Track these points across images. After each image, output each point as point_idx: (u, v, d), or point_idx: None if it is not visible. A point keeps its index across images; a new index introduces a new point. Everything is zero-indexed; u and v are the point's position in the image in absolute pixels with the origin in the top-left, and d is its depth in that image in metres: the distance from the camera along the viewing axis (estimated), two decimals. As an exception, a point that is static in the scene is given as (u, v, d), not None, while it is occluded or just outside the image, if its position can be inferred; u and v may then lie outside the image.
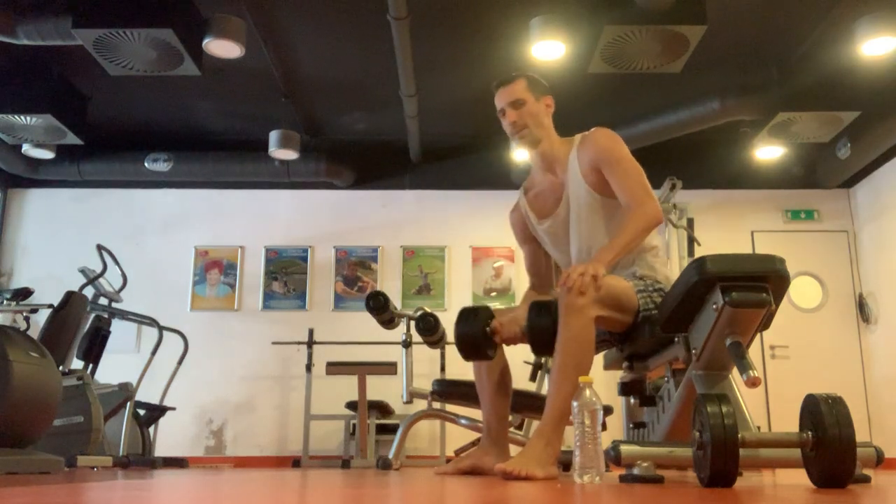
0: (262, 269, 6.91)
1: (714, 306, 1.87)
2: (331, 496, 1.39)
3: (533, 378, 4.89)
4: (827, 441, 1.57)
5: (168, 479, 2.29)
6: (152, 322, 4.91)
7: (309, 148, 6.61)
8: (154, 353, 4.86)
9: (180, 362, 5.49)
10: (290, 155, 6.22)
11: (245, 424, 6.58)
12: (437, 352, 6.05)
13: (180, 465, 5.01)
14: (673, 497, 1.33)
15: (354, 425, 6.00)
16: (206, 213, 7.04)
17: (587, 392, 1.89)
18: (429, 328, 3.95)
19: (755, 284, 1.85)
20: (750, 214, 6.95)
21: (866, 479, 1.87)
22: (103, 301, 4.73)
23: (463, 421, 4.14)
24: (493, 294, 6.80)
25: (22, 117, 5.46)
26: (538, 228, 2.68)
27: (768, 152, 6.38)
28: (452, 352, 5.90)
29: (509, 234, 2.89)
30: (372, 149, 6.99)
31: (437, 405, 4.94)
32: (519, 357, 4.37)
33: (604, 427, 1.96)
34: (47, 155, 6.31)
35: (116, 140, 6.70)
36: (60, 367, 4.09)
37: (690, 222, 6.24)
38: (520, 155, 6.33)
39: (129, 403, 4.50)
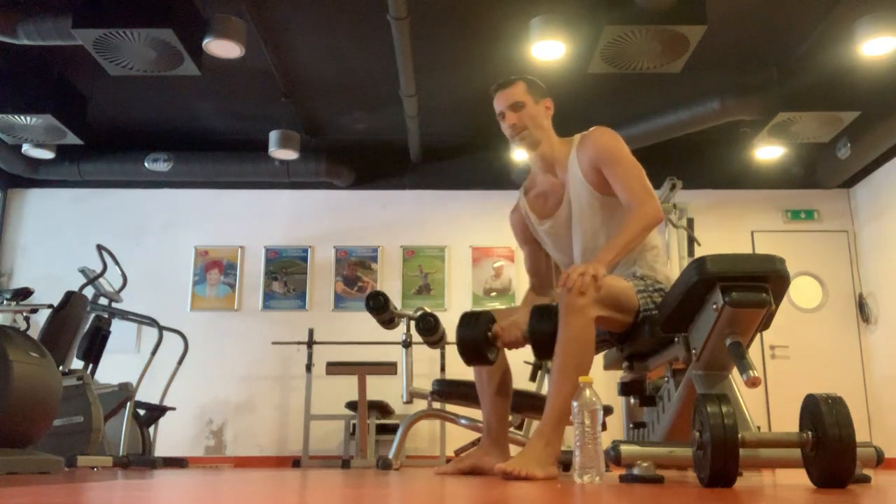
0: (262, 269, 6.91)
1: (714, 306, 1.87)
2: (331, 496, 1.39)
3: (533, 378, 4.89)
4: (827, 441, 1.57)
5: (168, 480, 2.29)
6: (152, 322, 4.91)
7: (309, 148, 6.61)
8: (154, 353, 4.86)
9: (180, 362, 5.49)
10: (290, 155, 6.21)
11: (245, 424, 6.58)
12: (437, 352, 6.05)
13: (180, 465, 5.01)
14: (673, 497, 1.33)
15: (354, 425, 6.00)
16: (206, 213, 7.04)
17: (587, 392, 1.89)
18: (429, 328, 3.95)
19: (755, 284, 1.85)
20: (750, 214, 6.95)
21: (866, 479, 1.87)
22: (103, 301, 4.73)
23: (463, 421, 4.14)
24: (493, 294, 6.80)
25: (22, 117, 5.46)
26: (539, 229, 2.68)
27: (768, 152, 6.38)
28: (452, 352, 5.89)
29: (509, 234, 2.89)
30: (372, 149, 6.99)
31: (437, 405, 4.94)
32: (519, 357, 4.36)
33: (604, 427, 1.96)
34: (47, 155, 6.31)
35: (116, 140, 6.70)
36: (60, 367, 4.09)
37: (690, 222, 6.24)
38: (519, 155, 6.33)
39: (129, 403, 4.50)
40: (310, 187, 7.00)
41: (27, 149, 6.16)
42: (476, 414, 3.47)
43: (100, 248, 4.71)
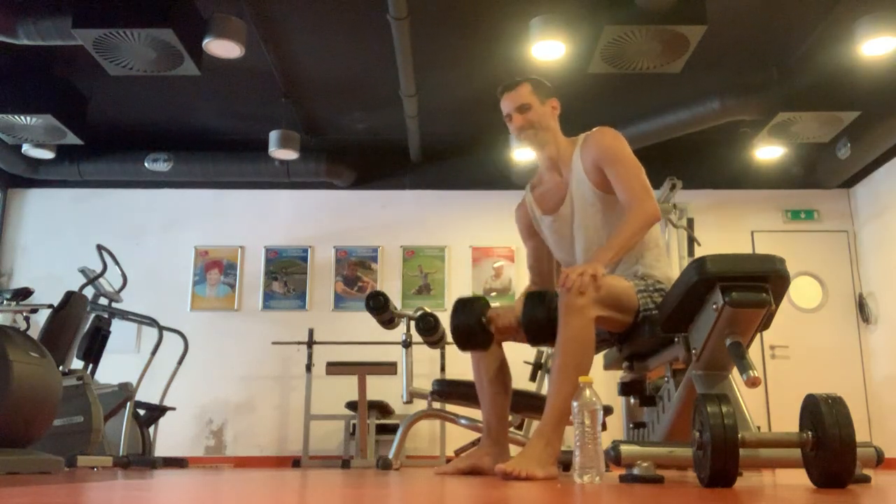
0: (262, 269, 6.91)
1: (714, 306, 1.87)
2: (331, 496, 1.39)
3: (533, 378, 4.90)
4: (827, 441, 1.57)
5: (168, 480, 2.29)
6: (152, 322, 4.91)
7: (309, 148, 6.61)
8: (154, 353, 4.86)
9: (180, 362, 5.49)
10: (290, 155, 6.21)
11: (245, 424, 6.58)
12: (437, 352, 6.05)
13: (180, 465, 5.01)
14: (673, 497, 1.33)
15: (354, 425, 6.00)
16: (206, 213, 7.04)
17: (587, 392, 1.89)
18: (429, 328, 3.96)
19: (755, 284, 1.85)
20: (750, 214, 6.95)
21: (866, 479, 1.87)
22: (103, 301, 4.73)
23: (463, 421, 4.14)
24: (494, 294, 6.80)
25: (22, 117, 5.46)
26: (542, 224, 2.70)
27: (768, 152, 6.38)
28: (452, 352, 5.91)
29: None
30: (372, 149, 6.99)
31: (437, 405, 4.94)
32: (519, 357, 4.37)
33: (604, 427, 1.96)
34: (47, 155, 6.31)
35: (116, 140, 6.70)
36: (60, 367, 4.09)
37: (690, 222, 6.25)
38: (520, 155, 6.33)
39: (129, 403, 4.50)
40: (310, 187, 7.00)
41: (27, 149, 6.16)
42: (476, 414, 3.47)
43: (100, 248, 4.71)
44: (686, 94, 5.75)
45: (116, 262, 4.87)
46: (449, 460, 4.62)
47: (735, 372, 1.95)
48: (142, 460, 4.52)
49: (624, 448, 1.86)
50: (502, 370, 2.70)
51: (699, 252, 6.02)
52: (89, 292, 4.56)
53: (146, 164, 6.59)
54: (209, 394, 6.60)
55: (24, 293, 4.10)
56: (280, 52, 5.39)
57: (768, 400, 6.48)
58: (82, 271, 4.66)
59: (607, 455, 1.89)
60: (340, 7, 4.84)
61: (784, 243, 6.82)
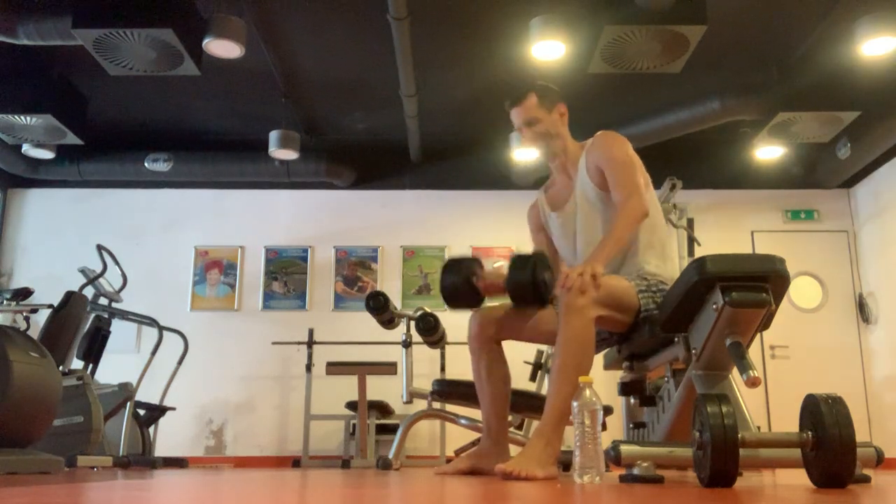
0: (262, 269, 6.91)
1: (714, 306, 1.87)
2: (331, 496, 1.39)
3: (533, 378, 4.89)
4: (827, 441, 1.57)
5: (168, 480, 2.29)
6: (152, 322, 4.91)
7: (309, 148, 6.61)
8: (154, 353, 4.86)
9: (180, 362, 5.49)
10: (290, 155, 6.21)
11: (245, 424, 6.58)
12: (437, 352, 6.04)
13: (180, 465, 5.01)
14: (673, 497, 1.33)
15: (354, 425, 6.00)
16: (206, 213, 7.04)
17: (587, 392, 1.89)
18: (429, 328, 3.96)
19: (755, 284, 1.85)
20: (750, 214, 6.95)
21: (866, 479, 1.87)
22: (103, 301, 4.73)
23: (463, 421, 4.14)
24: (493, 294, 6.79)
25: (22, 117, 5.45)
26: (550, 221, 2.75)
27: (768, 152, 6.38)
28: (452, 352, 5.91)
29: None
30: (372, 149, 6.99)
31: (437, 405, 4.94)
32: (519, 357, 4.37)
33: (604, 427, 1.96)
34: (47, 155, 6.31)
35: (116, 140, 6.70)
36: (60, 367, 4.09)
37: (690, 222, 6.25)
38: (520, 155, 6.33)
39: (129, 403, 4.50)
40: (310, 187, 7.00)
41: (27, 149, 6.16)
42: (476, 414, 3.47)
43: (100, 248, 4.71)
44: (686, 94, 5.75)
45: (116, 262, 4.87)
46: (449, 460, 4.62)
47: (735, 372, 1.95)
48: (142, 460, 4.52)
49: (624, 448, 1.86)
50: (502, 370, 2.70)
51: (699, 252, 6.02)
52: (89, 292, 4.56)
53: (146, 164, 6.59)
54: (209, 394, 6.60)
55: (24, 293, 4.10)
56: (280, 52, 5.39)
57: (768, 400, 6.48)
58: (82, 271, 4.66)
59: (607, 455, 1.89)
60: (340, 7, 4.83)
61: (784, 243, 6.82)
